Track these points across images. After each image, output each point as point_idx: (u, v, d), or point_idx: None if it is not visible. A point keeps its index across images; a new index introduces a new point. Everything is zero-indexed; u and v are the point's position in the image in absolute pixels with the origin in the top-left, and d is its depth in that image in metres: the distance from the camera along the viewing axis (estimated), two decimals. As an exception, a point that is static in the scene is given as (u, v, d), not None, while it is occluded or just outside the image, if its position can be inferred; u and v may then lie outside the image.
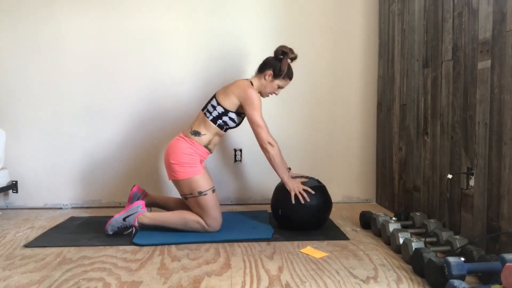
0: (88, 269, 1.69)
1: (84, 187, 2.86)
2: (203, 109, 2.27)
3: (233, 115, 2.22)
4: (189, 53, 2.85)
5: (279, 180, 2.52)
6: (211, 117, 2.21)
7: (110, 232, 2.11)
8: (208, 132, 2.22)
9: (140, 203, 2.17)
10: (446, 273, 1.41)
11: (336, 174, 2.96)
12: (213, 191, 2.18)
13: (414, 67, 2.35)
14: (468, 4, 1.84)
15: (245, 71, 2.84)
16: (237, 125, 2.29)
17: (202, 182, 2.14)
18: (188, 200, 2.16)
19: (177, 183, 2.17)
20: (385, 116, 2.77)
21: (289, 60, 2.27)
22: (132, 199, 2.30)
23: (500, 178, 1.63)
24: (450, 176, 1.93)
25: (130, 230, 2.12)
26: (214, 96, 2.26)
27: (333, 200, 2.33)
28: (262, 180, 2.93)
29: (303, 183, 2.21)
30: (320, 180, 2.43)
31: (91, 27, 2.80)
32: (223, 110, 2.20)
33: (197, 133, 2.21)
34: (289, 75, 2.29)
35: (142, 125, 2.86)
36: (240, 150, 2.91)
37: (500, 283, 1.36)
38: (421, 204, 2.28)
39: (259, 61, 2.85)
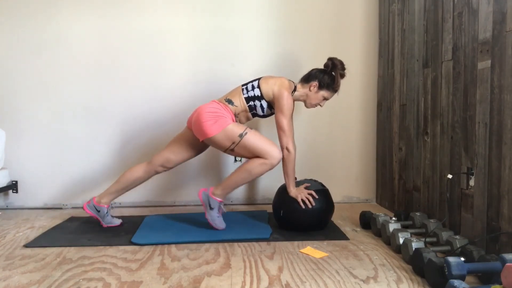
0: (88, 269, 1.69)
1: (84, 187, 2.86)
2: (243, 85, 2.29)
3: (265, 104, 2.25)
4: (190, 53, 2.85)
5: (279, 181, 2.53)
6: (246, 95, 2.24)
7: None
8: (239, 106, 2.24)
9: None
10: (446, 273, 1.41)
11: (336, 174, 2.96)
12: (250, 128, 2.15)
13: (414, 67, 2.35)
14: (468, 4, 1.84)
15: (246, 70, 2.84)
16: (264, 116, 2.31)
17: (236, 128, 2.12)
18: (235, 151, 2.14)
19: (213, 140, 2.13)
20: (385, 116, 2.77)
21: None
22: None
23: (500, 178, 1.63)
24: (450, 176, 1.93)
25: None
26: (258, 79, 2.28)
27: (333, 200, 2.33)
28: (262, 180, 2.93)
29: (306, 187, 2.21)
30: (320, 180, 2.44)
31: (91, 27, 2.80)
32: (259, 94, 2.23)
33: (230, 102, 2.24)
34: (334, 88, 2.28)
35: (143, 125, 2.86)
36: (240, 150, 2.91)
37: (500, 283, 1.36)
38: (421, 204, 2.28)
39: (259, 60, 2.87)
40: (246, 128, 2.13)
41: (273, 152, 2.09)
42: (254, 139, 2.10)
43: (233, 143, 2.11)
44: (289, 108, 2.19)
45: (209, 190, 2.18)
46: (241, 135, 2.09)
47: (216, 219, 2.17)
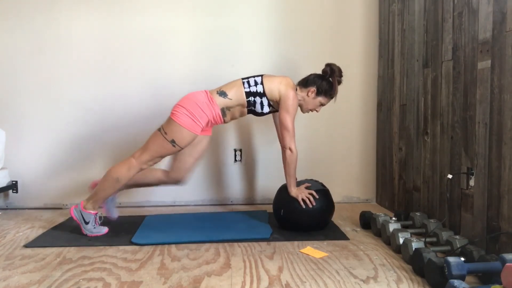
0: (88, 269, 1.69)
1: (84, 187, 2.86)
2: (243, 79, 2.25)
3: (265, 101, 2.21)
4: (190, 53, 2.85)
5: (279, 181, 2.53)
6: (247, 89, 2.20)
7: (100, 231, 2.17)
8: (234, 98, 2.18)
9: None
10: (446, 273, 1.41)
11: (336, 174, 2.96)
12: (178, 150, 2.16)
13: (414, 67, 2.35)
14: (468, 4, 1.84)
15: (246, 70, 2.83)
16: (261, 114, 2.27)
17: (185, 138, 2.10)
18: (156, 133, 2.14)
19: (169, 120, 2.13)
20: (385, 116, 2.78)
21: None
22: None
23: (500, 178, 1.63)
24: (450, 176, 1.93)
25: (97, 217, 2.17)
26: (260, 76, 2.25)
27: (333, 200, 2.33)
28: (262, 180, 2.93)
29: (307, 187, 2.21)
30: (320, 180, 2.44)
31: (92, 28, 2.80)
32: (261, 91, 2.19)
33: (223, 94, 2.18)
34: (332, 94, 2.26)
35: (144, 125, 2.85)
36: (240, 150, 2.91)
37: (500, 283, 1.36)
38: (421, 204, 2.28)
39: (259, 60, 2.87)
40: (181, 148, 2.13)
41: (144, 164, 2.14)
42: (164, 151, 2.12)
43: (166, 134, 2.10)
44: (295, 108, 2.19)
45: (80, 205, 2.16)
46: (173, 142, 2.09)
47: (93, 230, 2.15)
